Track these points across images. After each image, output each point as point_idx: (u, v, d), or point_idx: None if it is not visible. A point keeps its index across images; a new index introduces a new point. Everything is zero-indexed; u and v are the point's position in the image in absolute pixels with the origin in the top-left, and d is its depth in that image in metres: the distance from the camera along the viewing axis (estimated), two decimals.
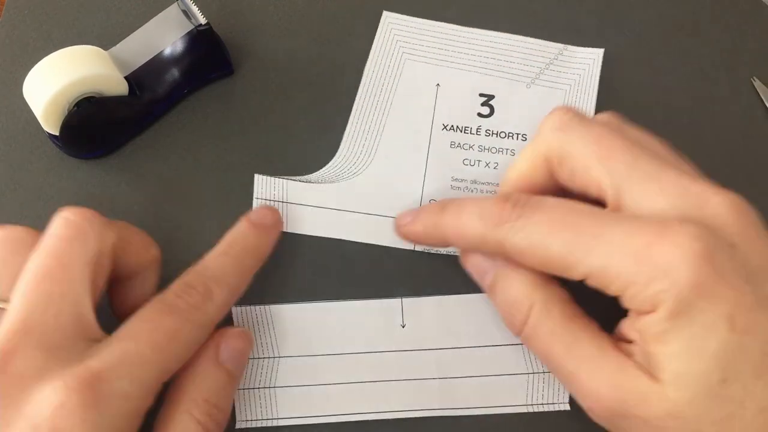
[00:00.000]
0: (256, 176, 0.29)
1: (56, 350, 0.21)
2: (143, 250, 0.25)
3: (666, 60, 0.33)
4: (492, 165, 0.30)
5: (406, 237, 0.28)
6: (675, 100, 0.32)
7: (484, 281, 0.26)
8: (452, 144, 0.30)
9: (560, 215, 0.22)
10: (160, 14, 0.30)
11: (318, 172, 0.29)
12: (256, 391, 0.26)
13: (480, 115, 0.31)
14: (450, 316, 0.28)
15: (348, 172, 0.29)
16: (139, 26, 0.30)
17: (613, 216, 0.22)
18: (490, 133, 0.31)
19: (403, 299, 0.28)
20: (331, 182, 0.29)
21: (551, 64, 0.32)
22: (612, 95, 0.32)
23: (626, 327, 0.22)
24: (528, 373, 0.27)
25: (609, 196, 0.23)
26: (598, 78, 0.32)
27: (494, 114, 0.31)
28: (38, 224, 0.28)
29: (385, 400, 0.26)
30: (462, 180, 0.30)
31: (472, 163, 0.30)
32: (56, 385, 0.20)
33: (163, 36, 0.30)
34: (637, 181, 0.22)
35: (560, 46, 0.33)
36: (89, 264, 0.22)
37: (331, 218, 0.29)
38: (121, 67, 0.29)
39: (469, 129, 0.31)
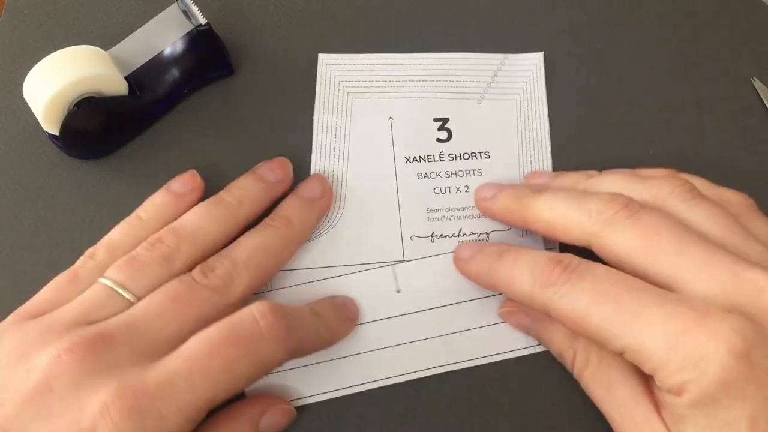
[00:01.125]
0: None
1: (140, 355, 0.22)
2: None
3: (666, 60, 0.33)
4: (463, 189, 0.30)
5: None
6: (675, 100, 0.32)
7: (529, 333, 0.27)
8: (419, 175, 0.30)
9: (605, 287, 0.22)
10: (160, 14, 0.30)
11: None
12: None
13: (439, 140, 0.30)
14: (443, 274, 0.28)
15: (322, 226, 0.29)
16: (139, 26, 0.30)
17: (657, 295, 0.22)
18: (453, 156, 0.30)
19: (395, 266, 0.28)
20: (308, 240, 0.28)
21: (496, 76, 0.32)
22: (613, 95, 0.32)
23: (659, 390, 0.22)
24: None
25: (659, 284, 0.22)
26: (544, 82, 0.32)
27: (453, 137, 0.31)
28: (38, 224, 0.28)
29: (391, 365, 0.27)
30: (437, 210, 0.29)
31: (442, 191, 0.30)
32: (108, 390, 0.20)
33: (163, 36, 0.30)
34: (686, 270, 0.22)
35: (501, 56, 0.32)
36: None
37: (318, 277, 0.28)
38: (121, 67, 0.29)
39: (431, 157, 0.30)
